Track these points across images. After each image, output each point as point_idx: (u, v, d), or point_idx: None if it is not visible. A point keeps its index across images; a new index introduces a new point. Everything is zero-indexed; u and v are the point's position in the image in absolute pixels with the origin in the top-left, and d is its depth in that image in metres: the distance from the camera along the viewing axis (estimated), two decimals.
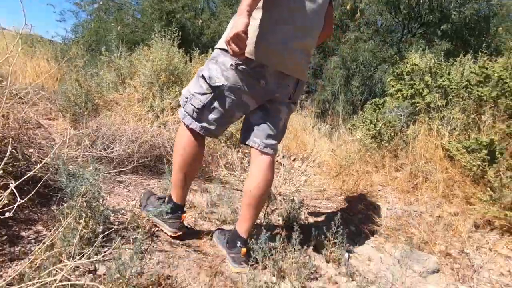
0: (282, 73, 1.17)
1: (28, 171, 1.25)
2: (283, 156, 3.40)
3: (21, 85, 2.61)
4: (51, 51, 4.44)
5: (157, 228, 1.30)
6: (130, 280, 0.83)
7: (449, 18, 5.14)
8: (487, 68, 2.33)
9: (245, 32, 0.94)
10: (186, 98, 1.20)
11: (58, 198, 1.14)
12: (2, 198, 0.84)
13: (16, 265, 0.90)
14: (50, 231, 1.07)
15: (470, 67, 2.71)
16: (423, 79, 2.65)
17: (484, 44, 4.70)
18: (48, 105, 2.64)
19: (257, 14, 1.10)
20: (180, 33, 3.02)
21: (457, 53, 3.20)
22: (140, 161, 1.93)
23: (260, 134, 1.23)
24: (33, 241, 1.01)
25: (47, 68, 3.70)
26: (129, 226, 1.19)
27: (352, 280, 1.27)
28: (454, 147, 1.99)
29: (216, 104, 1.16)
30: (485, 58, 2.58)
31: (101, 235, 0.93)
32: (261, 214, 1.69)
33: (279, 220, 1.71)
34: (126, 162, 1.88)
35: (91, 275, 0.91)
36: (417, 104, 2.58)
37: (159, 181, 1.94)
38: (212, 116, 1.18)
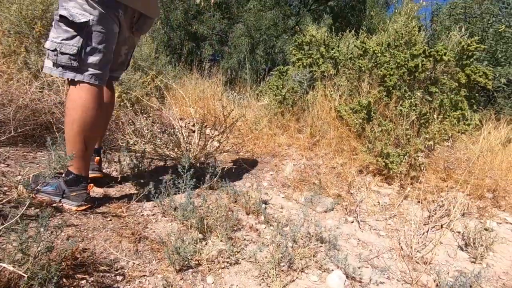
0: (134, 10, 1.18)
1: None
2: (194, 124, 3.34)
3: None
4: None
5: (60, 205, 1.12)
6: (38, 258, 0.71)
7: None
8: (365, 44, 2.80)
9: None
10: (54, 50, 1.04)
11: None
12: None
13: None
14: None
15: (353, 42, 3.18)
16: (319, 50, 2.97)
17: (364, 22, 5.57)
18: None
19: None
20: None
21: (341, 29, 3.70)
22: (19, 130, 1.56)
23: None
24: None
25: None
26: (20, 203, 0.98)
27: (270, 226, 1.42)
28: (343, 109, 2.37)
29: (92, 43, 1.06)
30: (364, 35, 3.07)
31: None
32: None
33: (198, 184, 1.72)
34: (12, 130, 1.48)
35: None
36: (315, 72, 2.90)
37: (49, 153, 1.63)
38: (92, 57, 1.07)
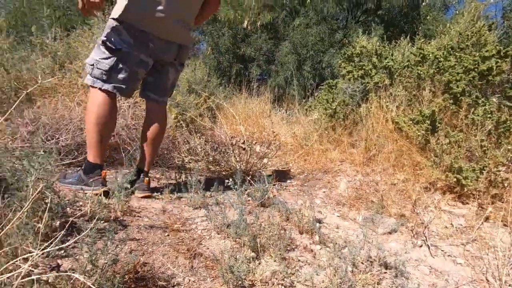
0: (166, 40, 1.42)
1: None
2: (244, 142, 3.40)
3: None
4: None
5: (123, 218, 1.20)
6: (104, 270, 0.75)
7: (382, 6, 5.59)
8: (423, 50, 2.59)
9: (100, 4, 1.22)
10: (92, 65, 1.34)
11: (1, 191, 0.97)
12: None
13: None
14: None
15: (408, 49, 2.98)
16: (371, 60, 2.83)
17: (420, 28, 5.22)
18: None
19: None
20: None
21: (393, 38, 3.49)
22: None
23: (155, 91, 1.53)
24: None
25: None
26: (90, 217, 1.08)
27: (326, 247, 1.33)
28: (401, 120, 2.18)
29: (121, 64, 1.34)
30: (421, 41, 2.85)
31: (60, 229, 0.82)
32: (233, 196, 1.67)
33: (249, 200, 1.71)
34: (76, 153, 1.68)
35: (54, 272, 0.80)
36: (367, 84, 2.76)
37: (116, 172, 1.79)
38: (118, 75, 1.34)
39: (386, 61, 2.76)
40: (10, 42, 2.53)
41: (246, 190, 1.76)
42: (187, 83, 3.73)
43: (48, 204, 0.89)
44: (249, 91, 4.88)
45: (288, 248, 1.26)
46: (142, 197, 1.47)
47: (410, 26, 5.75)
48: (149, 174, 1.62)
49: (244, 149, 3.21)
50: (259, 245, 1.16)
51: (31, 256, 0.62)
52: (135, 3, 1.29)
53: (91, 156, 1.36)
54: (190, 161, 2.11)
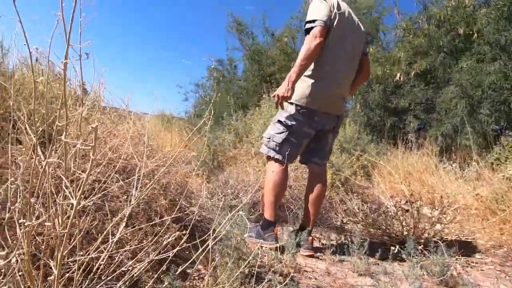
0: (328, 113, 1.64)
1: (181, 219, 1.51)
2: (407, 202, 3.02)
3: (164, 153, 3.31)
4: (181, 124, 5.55)
5: (294, 274, 1.31)
6: None
7: None
8: None
9: (289, 98, 1.51)
10: (268, 138, 1.66)
11: (207, 240, 1.31)
12: (170, 239, 1.04)
13: None
14: (207, 270, 1.22)
15: None
16: None
17: None
18: (185, 166, 3.21)
19: (307, 73, 1.57)
20: None
21: None
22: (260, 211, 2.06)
23: (317, 155, 1.73)
24: (196, 277, 1.17)
25: (181, 138, 4.58)
26: (270, 268, 1.25)
27: None
28: None
29: (291, 138, 1.61)
30: None
31: (248, 276, 1.00)
32: (401, 266, 1.50)
33: (424, 274, 1.46)
34: (253, 210, 2.03)
35: None
36: None
37: (282, 228, 1.99)
38: (288, 146, 1.61)
39: None
40: (210, 125, 3.57)
41: (418, 262, 1.53)
42: (338, 142, 3.85)
43: (242, 254, 1.12)
44: (405, 144, 4.43)
45: None
46: (307, 256, 1.56)
47: None
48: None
49: (407, 211, 2.83)
50: None
51: None
52: (315, 89, 1.57)
53: (268, 214, 1.61)
54: (348, 222, 2.08)
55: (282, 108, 1.57)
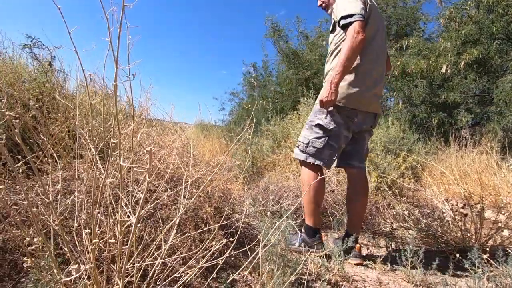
0: (367, 112, 1.56)
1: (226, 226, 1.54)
2: (464, 205, 2.76)
3: (207, 161, 3.42)
4: (219, 132, 5.71)
5: (342, 283, 1.26)
6: None
7: None
8: None
9: (334, 101, 1.43)
10: (306, 143, 1.57)
11: (254, 247, 1.31)
12: (217, 246, 1.06)
13: None
14: (254, 277, 1.22)
15: None
16: None
17: None
18: (227, 173, 3.29)
19: (348, 76, 1.50)
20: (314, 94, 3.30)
21: None
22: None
23: (355, 158, 1.63)
24: (244, 284, 1.18)
25: (221, 145, 4.71)
26: (318, 276, 1.21)
27: None
28: None
29: (331, 142, 1.54)
30: None
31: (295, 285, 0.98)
32: (464, 278, 1.36)
33: (491, 287, 1.31)
34: (294, 216, 2.01)
35: None
36: None
37: (326, 234, 1.94)
38: (328, 151, 1.54)
39: None
40: (249, 133, 3.63)
41: (485, 273, 1.38)
42: (381, 143, 3.65)
43: (287, 261, 1.10)
44: (459, 142, 4.06)
45: None
46: (355, 264, 1.49)
47: None
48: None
49: (466, 215, 2.58)
50: None
51: None
52: (354, 87, 1.49)
53: (311, 221, 1.56)
54: (398, 228, 1.95)
55: (327, 108, 1.51)
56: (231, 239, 1.37)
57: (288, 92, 7.14)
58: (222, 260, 0.92)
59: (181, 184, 1.19)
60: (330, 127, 1.52)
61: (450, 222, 1.91)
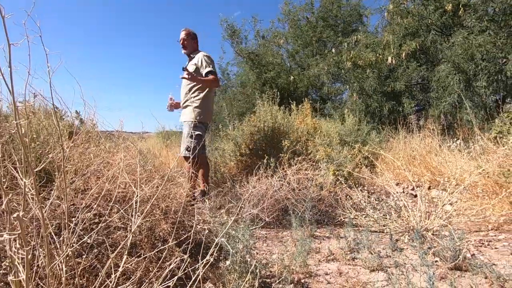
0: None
1: (188, 237, 1.51)
2: (414, 187, 3.00)
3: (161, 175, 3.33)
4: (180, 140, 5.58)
5: (305, 280, 1.30)
6: None
7: None
8: None
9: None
10: (190, 145, 2.49)
11: (215, 255, 1.31)
12: (172, 266, 1.04)
13: None
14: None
15: None
16: None
17: None
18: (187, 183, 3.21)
19: (202, 94, 2.60)
20: (278, 94, 3.36)
21: None
22: (270, 216, 2.05)
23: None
24: None
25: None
26: (278, 279, 1.24)
27: None
28: None
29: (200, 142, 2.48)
30: None
31: None
32: (415, 256, 1.48)
33: (437, 261, 1.45)
34: (257, 219, 2.03)
35: None
36: None
37: (290, 232, 1.98)
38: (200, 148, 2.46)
39: None
40: (209, 137, 3.58)
41: (430, 248, 1.51)
42: (338, 135, 3.83)
43: (251, 267, 1.11)
44: (407, 128, 4.39)
45: None
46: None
47: None
48: (318, 233, 1.70)
49: (415, 196, 2.80)
50: None
51: None
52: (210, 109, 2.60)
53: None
54: (356, 216, 2.07)
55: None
56: (190, 252, 1.34)
57: (251, 92, 7.20)
58: (173, 281, 0.90)
59: (134, 204, 1.15)
60: (201, 133, 2.56)
61: (401, 205, 2.07)
